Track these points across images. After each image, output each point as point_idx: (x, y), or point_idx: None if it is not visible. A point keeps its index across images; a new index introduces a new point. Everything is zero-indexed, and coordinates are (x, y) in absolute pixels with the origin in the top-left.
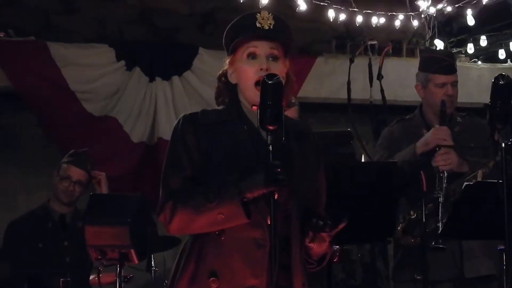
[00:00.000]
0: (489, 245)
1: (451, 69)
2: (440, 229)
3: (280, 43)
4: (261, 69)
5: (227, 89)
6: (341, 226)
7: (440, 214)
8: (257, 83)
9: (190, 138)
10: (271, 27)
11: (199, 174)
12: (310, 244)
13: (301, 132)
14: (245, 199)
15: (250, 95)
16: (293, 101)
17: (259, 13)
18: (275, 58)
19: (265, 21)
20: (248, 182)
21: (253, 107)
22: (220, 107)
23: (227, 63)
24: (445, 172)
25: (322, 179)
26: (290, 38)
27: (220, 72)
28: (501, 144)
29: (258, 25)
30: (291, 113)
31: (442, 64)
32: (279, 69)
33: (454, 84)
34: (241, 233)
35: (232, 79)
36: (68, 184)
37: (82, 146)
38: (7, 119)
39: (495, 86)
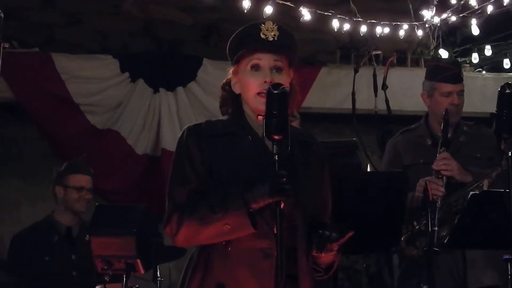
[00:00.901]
0: (492, 256)
1: (457, 78)
2: (434, 232)
3: (285, 54)
4: (265, 82)
5: (231, 99)
6: (348, 236)
7: (434, 219)
8: (260, 94)
9: (195, 149)
10: (276, 38)
11: (204, 185)
12: (317, 254)
13: (306, 142)
14: (251, 210)
15: (254, 106)
16: (295, 113)
17: (264, 23)
18: (279, 70)
19: (270, 32)
20: (254, 193)
21: (259, 117)
22: (225, 117)
23: (231, 72)
24: (444, 177)
25: (327, 188)
26: (294, 48)
27: (224, 81)
28: (508, 153)
29: (262, 36)
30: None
31: (448, 73)
32: (283, 80)
33: (460, 93)
34: (247, 243)
35: (236, 89)
36: (84, 193)
37: (86, 159)
38: (10, 131)
39: (501, 95)
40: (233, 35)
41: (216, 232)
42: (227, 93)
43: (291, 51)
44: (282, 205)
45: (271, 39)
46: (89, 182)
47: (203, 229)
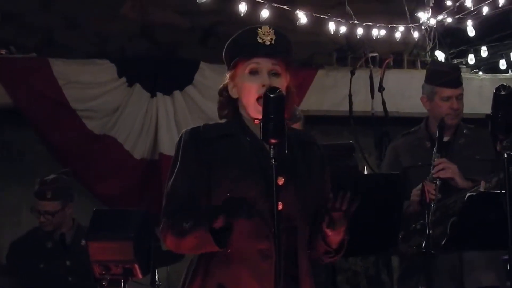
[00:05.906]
0: (490, 257)
1: (457, 83)
2: (429, 234)
3: (282, 58)
4: (263, 86)
5: (229, 103)
6: (355, 206)
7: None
8: (258, 99)
9: (193, 153)
10: (273, 42)
11: (203, 189)
12: (327, 230)
13: (305, 142)
14: (214, 226)
15: (252, 110)
16: (297, 115)
17: (260, 28)
18: (276, 74)
19: (266, 37)
20: (211, 211)
21: (255, 121)
22: (222, 121)
23: (228, 77)
24: (437, 182)
25: (328, 188)
26: (291, 52)
27: (221, 86)
28: (504, 155)
29: (259, 40)
30: (296, 127)
31: (448, 78)
32: (281, 84)
33: (460, 97)
34: (247, 245)
35: (233, 94)
36: (39, 217)
37: (84, 164)
38: (10, 135)
39: (496, 96)
40: (229, 40)
41: (190, 246)
42: (224, 98)
43: (288, 55)
44: (280, 207)
45: (268, 43)
46: (43, 206)
47: (180, 241)
